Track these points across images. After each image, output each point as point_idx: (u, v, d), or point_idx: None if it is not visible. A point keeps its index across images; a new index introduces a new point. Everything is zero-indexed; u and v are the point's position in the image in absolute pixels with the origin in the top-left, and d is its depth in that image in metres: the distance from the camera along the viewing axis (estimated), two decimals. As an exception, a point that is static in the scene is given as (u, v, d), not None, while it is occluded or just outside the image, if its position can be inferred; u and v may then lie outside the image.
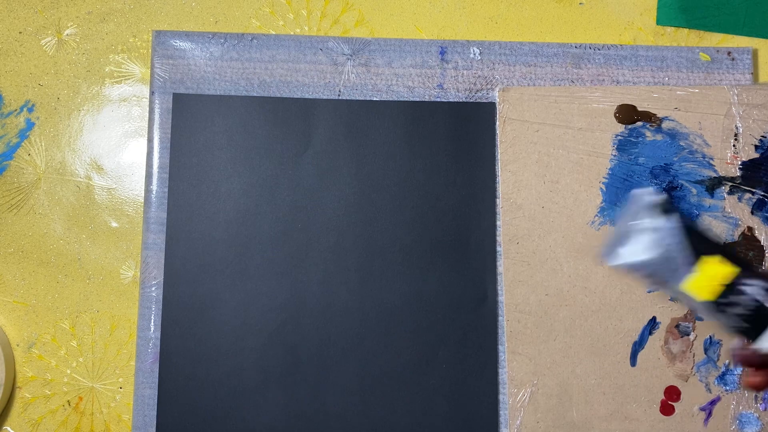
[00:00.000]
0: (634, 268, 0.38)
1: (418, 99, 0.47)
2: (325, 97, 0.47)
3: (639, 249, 0.37)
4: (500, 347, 0.45)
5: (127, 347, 0.46)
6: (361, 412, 0.45)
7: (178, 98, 0.46)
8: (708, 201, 0.46)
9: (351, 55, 0.47)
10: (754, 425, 0.45)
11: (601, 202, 0.46)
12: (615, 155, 0.47)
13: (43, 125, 0.47)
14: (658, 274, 0.37)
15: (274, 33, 0.48)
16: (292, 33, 0.48)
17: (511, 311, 0.45)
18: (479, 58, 0.47)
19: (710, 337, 0.46)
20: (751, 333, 0.35)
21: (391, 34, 0.49)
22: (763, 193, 0.47)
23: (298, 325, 0.45)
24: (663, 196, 0.38)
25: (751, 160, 0.47)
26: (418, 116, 0.47)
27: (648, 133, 0.47)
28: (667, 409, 0.45)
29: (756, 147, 0.47)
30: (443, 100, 0.47)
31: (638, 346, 0.46)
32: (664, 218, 0.37)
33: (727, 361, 0.46)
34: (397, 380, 0.45)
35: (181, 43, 0.47)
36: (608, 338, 0.46)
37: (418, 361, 0.45)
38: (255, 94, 0.47)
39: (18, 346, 0.46)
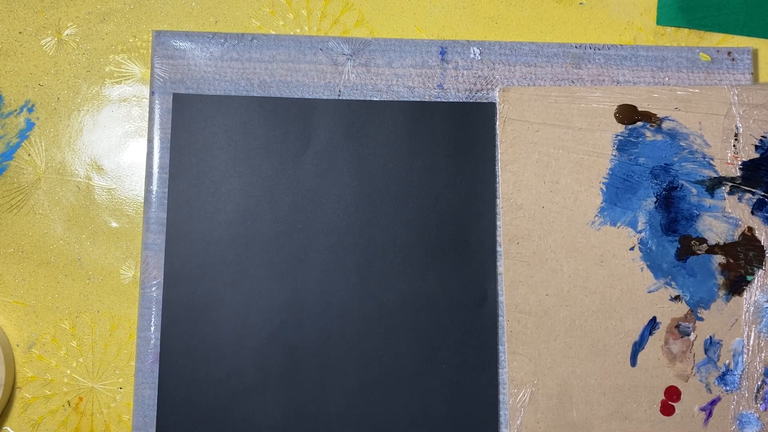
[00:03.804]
0: None
1: (418, 99, 0.47)
2: (325, 97, 0.47)
3: None
4: (500, 347, 0.45)
5: (127, 347, 0.46)
6: (361, 412, 0.45)
7: (178, 98, 0.46)
8: (708, 201, 0.46)
9: (351, 55, 0.47)
10: (754, 425, 0.45)
11: (601, 202, 0.46)
12: (615, 155, 0.47)
13: (43, 125, 0.47)
14: None
15: (274, 33, 0.48)
16: (292, 33, 0.48)
17: (511, 311, 0.45)
18: (479, 58, 0.47)
19: (710, 337, 0.46)
20: None
21: (391, 34, 0.49)
22: (763, 193, 0.47)
23: (298, 325, 0.45)
24: None
25: (752, 160, 0.47)
26: (418, 116, 0.47)
27: (648, 133, 0.47)
28: (667, 410, 0.45)
29: (756, 147, 0.47)
30: (443, 100, 0.47)
31: (638, 346, 0.46)
32: None
33: (727, 362, 0.46)
34: (397, 380, 0.45)
35: (181, 43, 0.47)
36: (608, 338, 0.46)
37: (418, 361, 0.45)
38: (255, 94, 0.47)
39: (18, 346, 0.46)
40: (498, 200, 0.46)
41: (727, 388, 0.45)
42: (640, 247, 0.46)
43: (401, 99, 0.47)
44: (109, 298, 0.46)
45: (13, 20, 0.48)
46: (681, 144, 0.47)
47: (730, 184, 0.47)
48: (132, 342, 0.46)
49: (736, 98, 0.47)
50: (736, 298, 0.46)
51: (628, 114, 0.47)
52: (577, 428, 0.45)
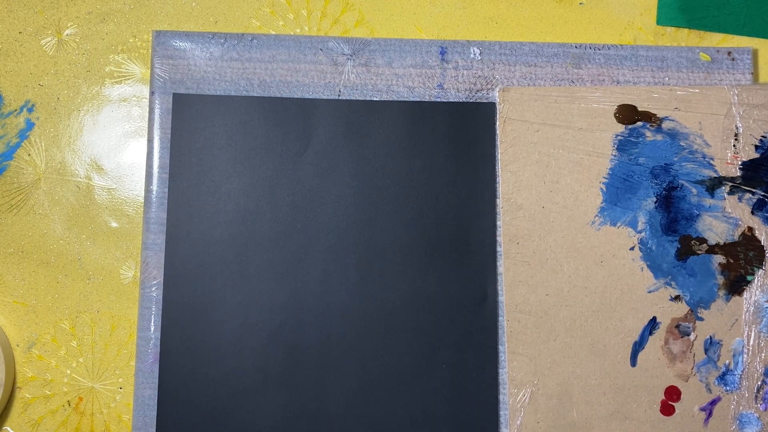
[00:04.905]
0: None
1: (418, 99, 0.47)
2: (325, 97, 0.47)
3: None
4: (500, 347, 0.45)
5: (127, 347, 0.46)
6: (361, 412, 0.45)
7: (178, 98, 0.46)
8: (708, 201, 0.46)
9: (351, 55, 0.47)
10: (754, 425, 0.45)
11: (601, 202, 0.46)
12: (615, 155, 0.47)
13: (43, 125, 0.47)
14: None
15: (274, 33, 0.48)
16: (292, 33, 0.48)
17: (511, 311, 0.45)
18: (479, 58, 0.47)
19: (710, 337, 0.46)
20: None
21: (391, 34, 0.49)
22: (763, 193, 0.47)
23: (298, 325, 0.45)
24: None
25: (752, 160, 0.47)
26: (418, 116, 0.47)
27: (648, 133, 0.47)
28: (667, 409, 0.45)
29: (756, 147, 0.47)
30: (443, 100, 0.47)
31: (638, 346, 0.46)
32: None
33: (727, 362, 0.46)
34: (397, 380, 0.45)
35: (181, 43, 0.47)
36: (608, 338, 0.46)
37: (418, 361, 0.45)
38: (255, 94, 0.47)
39: (18, 346, 0.46)
40: (498, 200, 0.46)
41: (727, 388, 0.45)
42: (640, 247, 0.46)
43: (401, 99, 0.47)
44: (109, 298, 0.46)
45: (13, 20, 0.48)
46: (681, 144, 0.47)
47: (730, 184, 0.47)
48: (132, 342, 0.46)
49: (736, 98, 0.47)
50: (736, 298, 0.46)
51: (628, 114, 0.47)
52: (577, 428, 0.45)
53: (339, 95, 0.47)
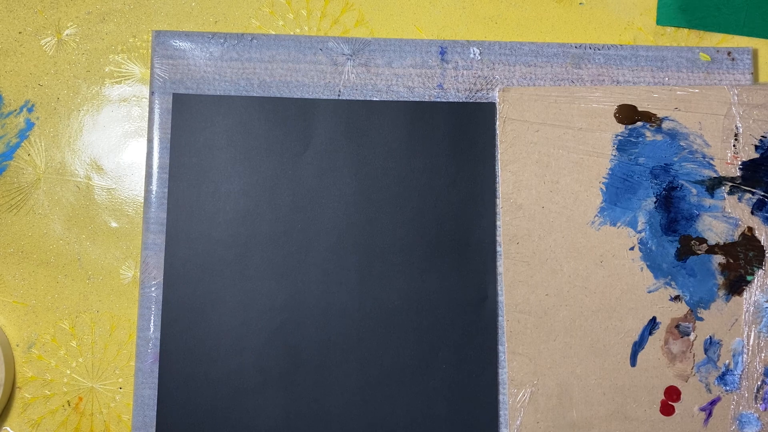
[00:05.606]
0: None
1: (418, 99, 0.47)
2: (325, 97, 0.47)
3: None
4: (500, 347, 0.45)
5: (127, 347, 0.46)
6: (361, 412, 0.45)
7: (178, 98, 0.46)
8: (708, 201, 0.47)
9: (351, 55, 0.47)
10: (754, 425, 0.45)
11: (601, 202, 0.46)
12: (615, 155, 0.47)
13: (43, 125, 0.47)
14: None
15: (274, 33, 0.48)
16: (292, 33, 0.48)
17: (511, 311, 0.45)
18: (479, 58, 0.47)
19: (710, 337, 0.46)
20: None
21: (391, 34, 0.49)
22: (763, 193, 0.47)
23: (298, 325, 0.45)
24: None
25: (751, 160, 0.47)
26: (418, 116, 0.47)
27: (648, 133, 0.47)
28: (667, 409, 0.45)
29: (756, 147, 0.47)
30: (443, 100, 0.47)
31: (638, 346, 0.46)
32: None
33: (727, 362, 0.46)
34: (397, 380, 0.45)
35: (180, 43, 0.47)
36: (608, 338, 0.46)
37: (418, 361, 0.45)
38: (255, 94, 0.47)
39: (18, 346, 0.46)
40: (498, 200, 0.46)
41: (727, 388, 0.45)
42: (640, 247, 0.46)
43: (401, 99, 0.47)
44: (109, 298, 0.46)
45: (13, 20, 0.48)
46: (681, 144, 0.47)
47: (730, 184, 0.47)
48: (132, 342, 0.46)
49: (736, 98, 0.47)
50: (736, 298, 0.46)
51: (628, 114, 0.47)
52: (577, 428, 0.45)
53: (339, 95, 0.47)
